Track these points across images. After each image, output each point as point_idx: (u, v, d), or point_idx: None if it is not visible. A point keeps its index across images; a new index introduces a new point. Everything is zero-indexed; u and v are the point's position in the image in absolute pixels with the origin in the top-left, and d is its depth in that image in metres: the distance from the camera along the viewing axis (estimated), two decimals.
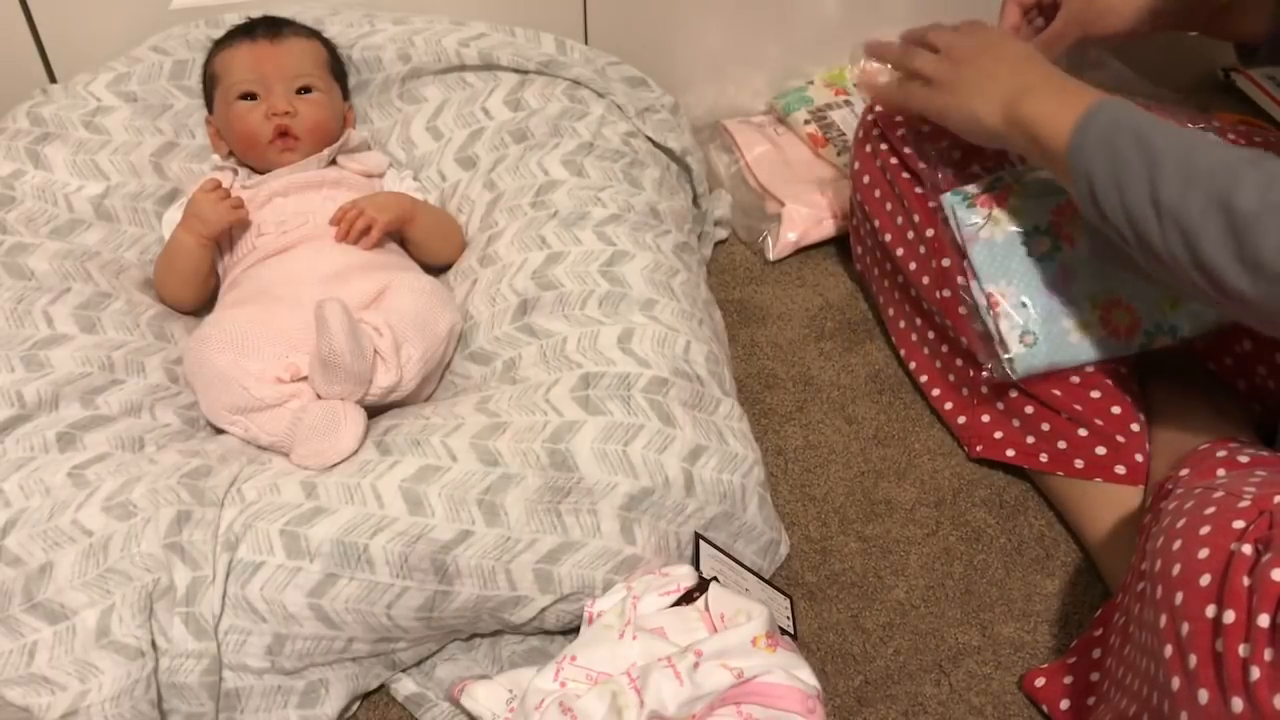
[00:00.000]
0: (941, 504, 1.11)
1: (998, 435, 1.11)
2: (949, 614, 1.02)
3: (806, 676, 0.83)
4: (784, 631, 0.93)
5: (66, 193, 1.14)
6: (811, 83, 1.51)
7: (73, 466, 0.93)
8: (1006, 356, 1.04)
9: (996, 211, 1.05)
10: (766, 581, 1.00)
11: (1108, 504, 1.03)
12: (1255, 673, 0.65)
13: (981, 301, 1.05)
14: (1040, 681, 0.95)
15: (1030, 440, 1.09)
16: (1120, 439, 1.04)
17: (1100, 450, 1.04)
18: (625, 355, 0.99)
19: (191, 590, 0.86)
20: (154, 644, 0.85)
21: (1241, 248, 0.76)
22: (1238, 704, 0.65)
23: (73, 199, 1.14)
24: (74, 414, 0.97)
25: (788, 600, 1.00)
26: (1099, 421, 1.04)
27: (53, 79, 1.30)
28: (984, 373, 1.07)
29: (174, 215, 1.14)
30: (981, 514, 1.10)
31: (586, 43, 1.38)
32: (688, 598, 0.89)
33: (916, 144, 1.13)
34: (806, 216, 1.37)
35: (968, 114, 0.99)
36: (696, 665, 0.82)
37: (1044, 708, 0.94)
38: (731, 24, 1.46)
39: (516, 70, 1.26)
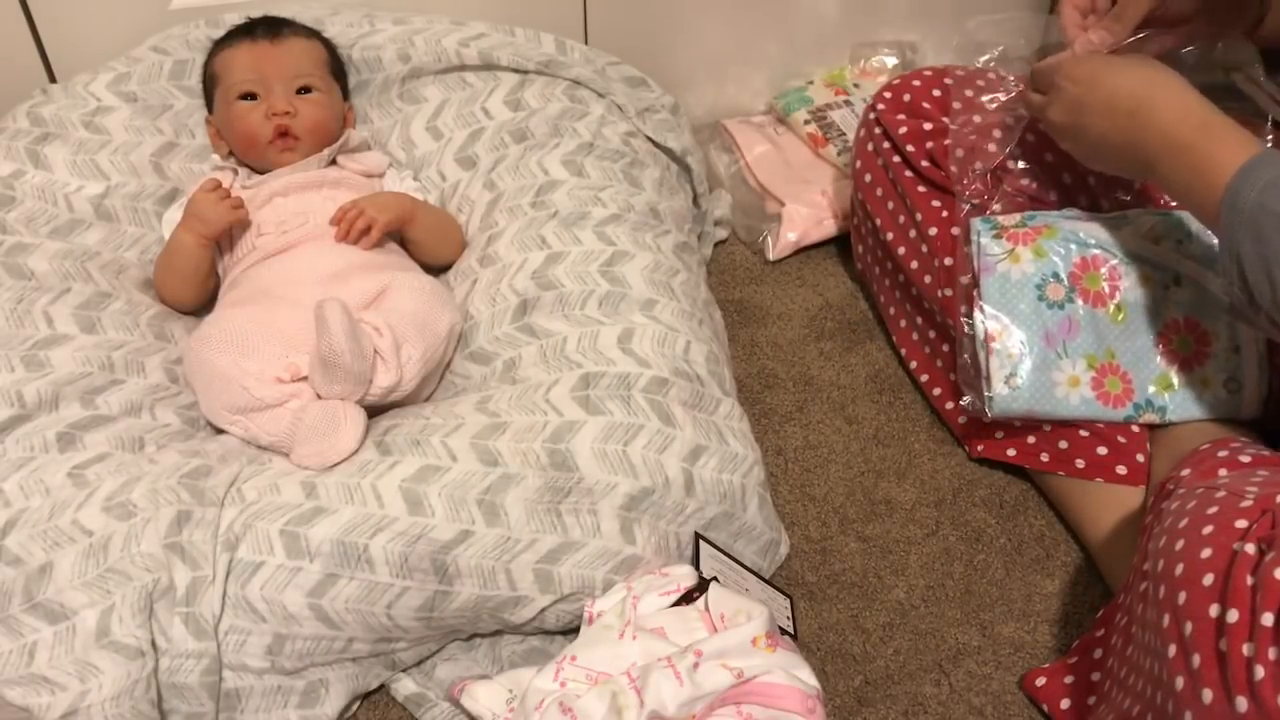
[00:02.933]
0: (941, 504, 1.11)
1: (999, 435, 1.11)
2: (949, 614, 1.02)
3: (806, 676, 0.83)
4: (784, 631, 0.93)
5: (66, 193, 1.14)
6: (811, 83, 1.51)
7: (73, 466, 0.93)
8: (988, 394, 1.04)
9: (1021, 249, 1.04)
10: (766, 581, 1.00)
11: (1109, 504, 1.03)
12: (1260, 672, 0.65)
13: (980, 333, 1.04)
14: (1041, 681, 0.95)
15: (1031, 440, 1.09)
16: (1121, 439, 1.04)
17: (1101, 450, 1.04)
18: (625, 355, 0.99)
19: (191, 590, 0.86)
20: (154, 644, 0.85)
21: None
22: (1242, 703, 0.65)
23: (73, 199, 1.14)
24: (74, 414, 0.97)
25: (788, 600, 1.00)
26: (1100, 423, 1.04)
27: (53, 79, 1.30)
28: (961, 402, 1.07)
29: (174, 215, 1.14)
30: (981, 514, 1.10)
31: (586, 43, 1.38)
32: (688, 598, 0.89)
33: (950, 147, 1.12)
34: (806, 216, 1.37)
35: (1101, 169, 0.98)
36: (696, 665, 0.82)
37: (1045, 707, 0.94)
38: (731, 24, 1.46)
39: (516, 70, 1.26)
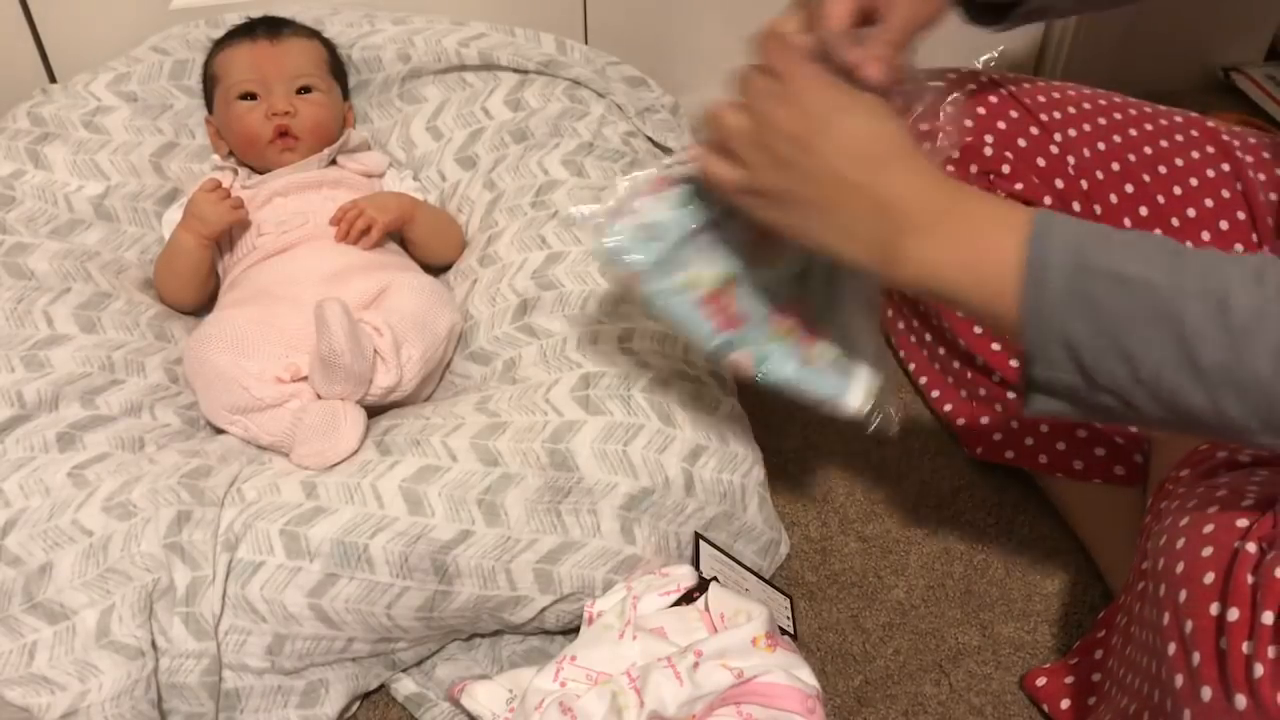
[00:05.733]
0: (941, 504, 1.11)
1: (997, 437, 1.11)
2: (949, 614, 1.02)
3: (806, 676, 0.83)
4: (784, 631, 0.93)
5: (66, 193, 1.14)
6: None
7: (73, 466, 0.93)
8: (612, 225, 0.83)
9: None
10: (766, 581, 1.00)
11: (1108, 505, 1.03)
12: (1259, 670, 0.65)
13: (642, 179, 0.85)
14: (1041, 681, 0.95)
15: (1029, 442, 1.09)
16: (1119, 440, 1.04)
17: (1099, 451, 1.04)
18: (625, 355, 0.99)
19: (191, 590, 0.86)
20: (154, 644, 0.85)
21: None
22: (1241, 701, 0.65)
23: (73, 199, 1.14)
24: (74, 414, 0.97)
25: (788, 600, 1.00)
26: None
27: (53, 79, 1.30)
28: (583, 209, 0.87)
29: (174, 215, 1.14)
30: (981, 514, 1.10)
31: (586, 43, 1.38)
32: (688, 598, 0.89)
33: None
34: None
35: (831, 253, 0.71)
36: (696, 665, 0.82)
37: (1045, 707, 0.94)
38: (731, 24, 1.46)
39: (516, 70, 1.26)
